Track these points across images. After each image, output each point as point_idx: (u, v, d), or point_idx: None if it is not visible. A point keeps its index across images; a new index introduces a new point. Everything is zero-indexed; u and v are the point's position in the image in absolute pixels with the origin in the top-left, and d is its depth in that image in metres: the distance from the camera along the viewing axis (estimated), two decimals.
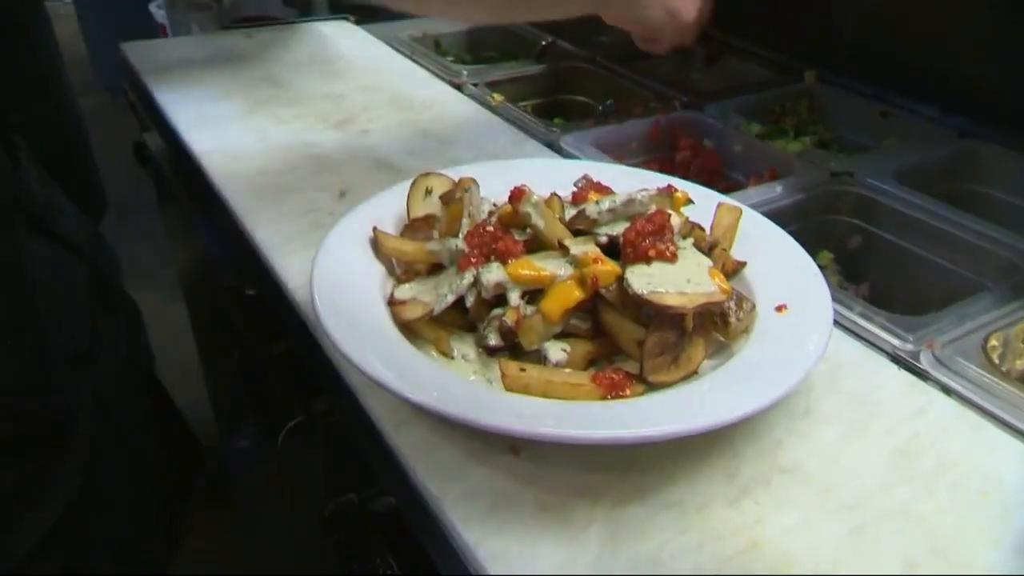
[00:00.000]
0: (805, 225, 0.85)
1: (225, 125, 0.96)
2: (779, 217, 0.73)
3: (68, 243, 0.69)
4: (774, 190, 0.86)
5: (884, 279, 0.88)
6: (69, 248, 0.69)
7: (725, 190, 0.80)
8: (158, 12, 1.82)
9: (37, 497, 0.60)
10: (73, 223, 0.72)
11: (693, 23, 0.85)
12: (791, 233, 0.67)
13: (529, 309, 0.55)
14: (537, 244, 0.59)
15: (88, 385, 0.67)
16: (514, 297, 0.55)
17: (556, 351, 0.55)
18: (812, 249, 0.67)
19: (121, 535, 0.71)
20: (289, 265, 0.70)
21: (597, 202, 0.58)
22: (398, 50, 1.24)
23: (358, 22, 1.35)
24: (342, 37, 1.29)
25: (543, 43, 1.27)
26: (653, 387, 0.53)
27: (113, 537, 0.69)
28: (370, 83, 1.10)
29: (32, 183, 0.68)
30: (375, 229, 0.64)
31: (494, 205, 0.64)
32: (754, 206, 0.74)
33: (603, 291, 0.55)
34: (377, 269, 0.62)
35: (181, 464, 0.87)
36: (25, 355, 0.58)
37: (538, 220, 0.58)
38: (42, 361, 0.60)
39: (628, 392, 0.53)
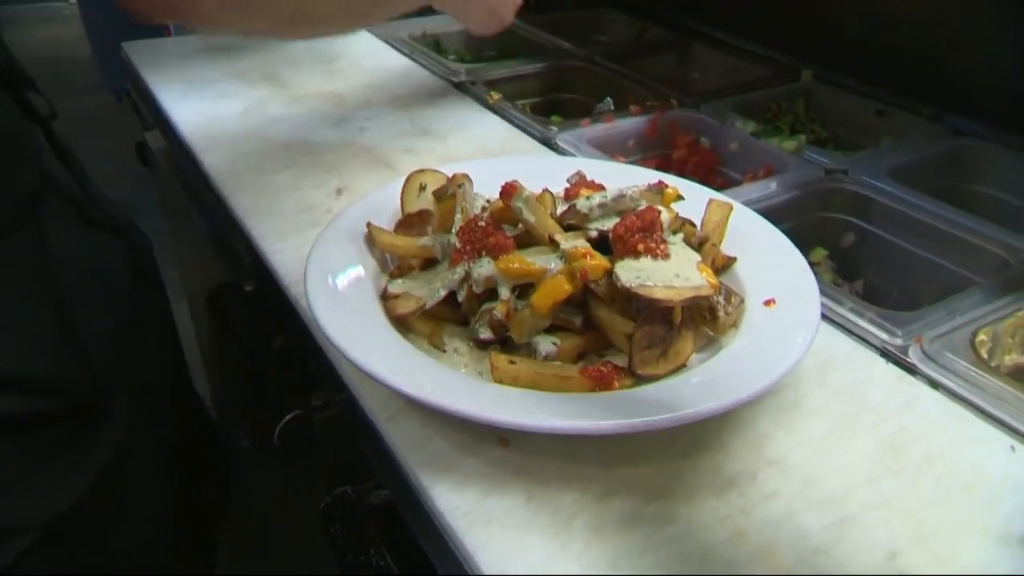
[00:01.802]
0: (800, 222, 0.86)
1: (225, 123, 0.97)
2: (774, 214, 0.73)
3: (104, 223, 0.70)
4: (769, 187, 0.87)
5: (878, 275, 0.88)
6: (105, 227, 0.70)
7: (721, 187, 0.81)
8: None
9: (70, 463, 0.61)
10: (110, 204, 0.73)
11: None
12: (786, 230, 0.67)
13: (520, 303, 0.56)
14: (528, 239, 0.60)
15: (129, 362, 0.68)
16: (505, 291, 0.56)
17: (546, 344, 0.55)
18: (807, 246, 0.68)
19: (148, 519, 0.72)
20: (286, 261, 0.71)
21: (588, 198, 0.59)
22: (397, 49, 1.25)
23: None
24: (342, 36, 1.30)
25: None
26: (642, 380, 0.54)
27: (140, 518, 0.70)
28: (369, 81, 1.11)
29: (62, 168, 0.69)
30: (369, 224, 0.64)
31: (487, 201, 0.65)
32: (749, 203, 0.75)
33: (593, 285, 0.55)
34: (371, 264, 0.63)
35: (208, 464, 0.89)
36: (54, 330, 0.59)
37: (529, 215, 0.59)
38: (75, 336, 0.61)
39: (617, 385, 0.53)
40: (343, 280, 0.60)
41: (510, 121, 1.00)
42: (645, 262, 0.55)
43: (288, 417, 0.72)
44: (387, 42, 1.27)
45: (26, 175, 0.62)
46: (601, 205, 0.59)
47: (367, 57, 1.21)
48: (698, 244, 0.61)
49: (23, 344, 0.58)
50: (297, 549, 0.95)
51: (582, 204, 0.59)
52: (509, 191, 0.58)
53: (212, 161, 0.89)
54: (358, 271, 0.62)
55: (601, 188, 0.64)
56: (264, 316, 0.83)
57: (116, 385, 0.65)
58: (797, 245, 0.65)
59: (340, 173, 0.86)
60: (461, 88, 1.11)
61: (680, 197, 0.63)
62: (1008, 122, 0.94)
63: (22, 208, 0.60)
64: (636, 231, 0.56)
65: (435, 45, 1.33)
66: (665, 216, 0.58)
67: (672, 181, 0.68)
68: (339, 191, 0.82)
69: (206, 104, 1.02)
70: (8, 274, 0.58)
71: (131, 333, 0.69)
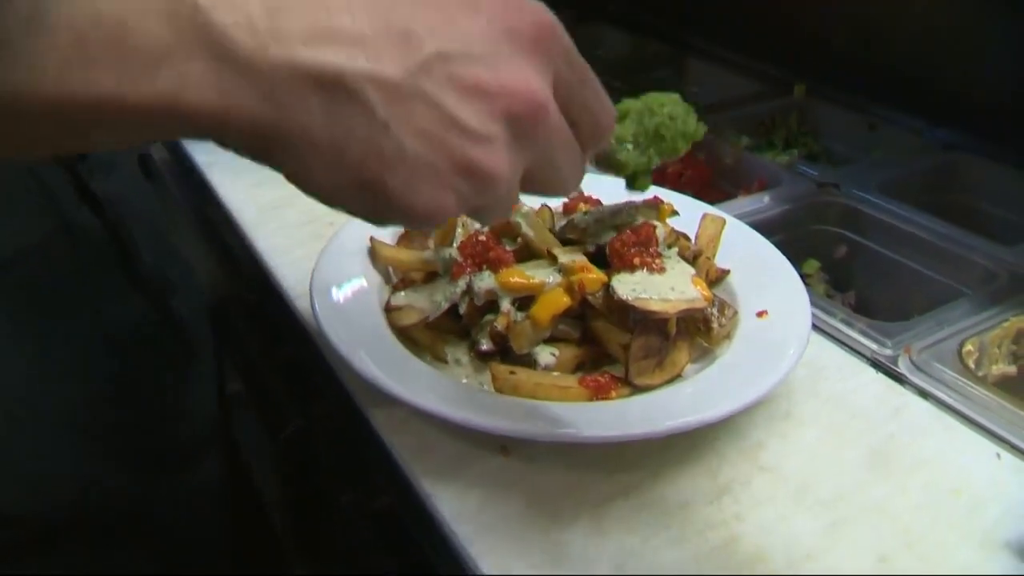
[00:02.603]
0: (792, 235, 0.88)
1: None
2: (767, 227, 0.75)
3: (140, 279, 0.71)
4: (762, 201, 0.88)
5: (869, 287, 0.90)
6: (141, 285, 0.71)
7: (715, 201, 0.83)
8: None
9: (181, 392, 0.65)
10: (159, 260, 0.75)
11: None
12: (779, 242, 0.69)
13: (520, 315, 0.57)
14: (528, 253, 0.61)
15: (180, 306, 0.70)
16: (505, 304, 0.57)
17: (545, 355, 0.57)
18: (800, 258, 0.69)
19: None
20: (290, 274, 0.73)
21: (585, 213, 0.61)
22: None
23: None
24: None
25: None
26: (638, 389, 0.56)
27: None
28: None
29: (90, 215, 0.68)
30: (372, 239, 0.66)
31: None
32: (742, 216, 0.76)
33: (590, 298, 0.57)
34: (374, 277, 0.65)
35: None
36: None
37: (528, 230, 0.60)
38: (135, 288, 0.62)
39: (614, 394, 0.55)
40: (347, 293, 0.62)
41: None
42: (641, 275, 0.57)
43: (292, 427, 0.73)
44: None
45: (32, 221, 0.59)
46: (598, 220, 0.61)
47: None
48: (692, 257, 0.63)
49: None
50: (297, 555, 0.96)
51: (580, 219, 0.60)
52: None
53: (215, 175, 0.90)
54: (361, 284, 0.63)
55: (598, 203, 0.66)
56: (267, 327, 0.85)
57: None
58: (790, 257, 0.67)
59: None
60: None
61: (675, 212, 0.65)
62: (996, 136, 0.96)
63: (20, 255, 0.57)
64: (632, 245, 0.58)
65: None
66: (660, 231, 0.59)
67: (667, 196, 0.70)
68: None
69: None
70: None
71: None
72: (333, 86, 0.29)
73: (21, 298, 0.58)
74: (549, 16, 0.33)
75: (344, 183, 0.31)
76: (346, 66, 0.29)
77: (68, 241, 0.62)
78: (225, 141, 0.31)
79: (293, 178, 0.32)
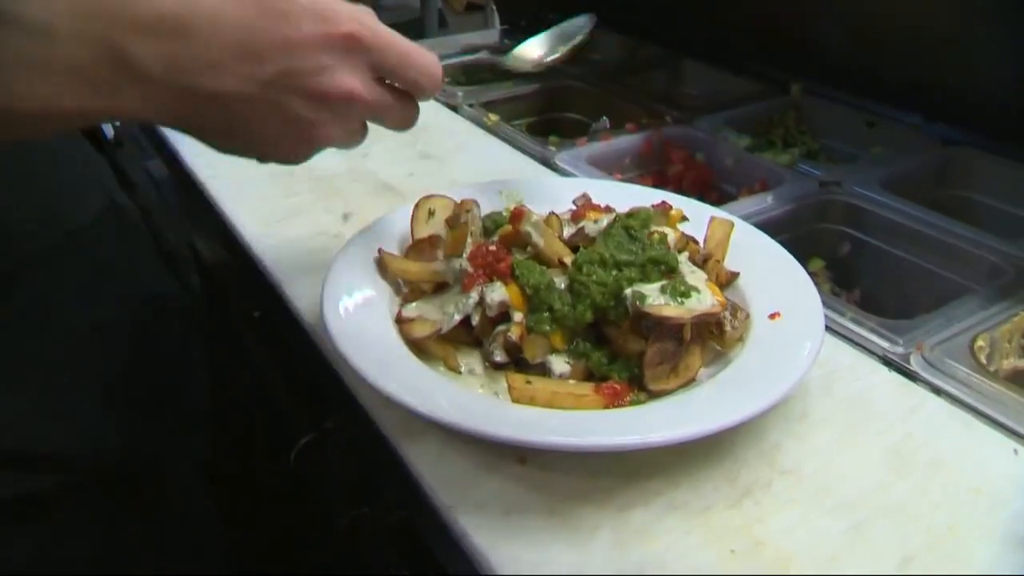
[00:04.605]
0: (796, 234, 0.88)
1: None
2: (771, 227, 0.75)
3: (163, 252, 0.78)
4: (765, 201, 0.89)
5: (874, 284, 0.90)
6: (164, 258, 0.78)
7: (717, 202, 0.83)
8: None
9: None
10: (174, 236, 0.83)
11: None
12: (783, 242, 0.69)
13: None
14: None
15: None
16: (518, 315, 0.57)
17: (560, 364, 0.57)
18: (804, 257, 0.69)
19: None
20: (298, 287, 0.73)
21: (596, 221, 0.61)
22: None
23: None
24: None
25: None
26: (653, 395, 0.55)
27: None
28: None
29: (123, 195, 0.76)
30: (381, 251, 0.66)
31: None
32: (746, 217, 0.76)
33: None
34: (384, 289, 0.64)
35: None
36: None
37: (538, 239, 0.60)
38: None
39: (629, 401, 0.55)
40: (358, 305, 0.61)
41: (509, 142, 1.02)
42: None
43: (303, 441, 0.73)
44: None
45: (91, 201, 0.69)
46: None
47: None
48: (702, 261, 0.63)
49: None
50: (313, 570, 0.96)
51: (590, 227, 0.60)
52: (519, 216, 0.60)
53: (217, 189, 0.90)
54: (371, 295, 0.63)
55: (606, 210, 0.66)
56: (274, 341, 0.85)
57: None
58: (795, 257, 0.67)
59: (346, 198, 0.88)
60: (459, 110, 1.13)
61: (685, 218, 0.65)
62: (996, 130, 0.96)
63: (84, 229, 0.66)
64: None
65: None
66: (671, 237, 0.59)
67: (674, 200, 0.70)
68: (346, 216, 0.84)
69: None
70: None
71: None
72: (214, 99, 0.45)
73: (84, 263, 0.67)
74: (356, 24, 0.46)
75: (234, 148, 0.51)
76: (220, 86, 0.45)
77: (115, 217, 0.71)
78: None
79: (204, 143, 0.49)
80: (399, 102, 0.52)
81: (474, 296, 0.58)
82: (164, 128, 0.96)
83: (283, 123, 0.48)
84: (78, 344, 0.65)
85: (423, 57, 0.50)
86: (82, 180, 0.70)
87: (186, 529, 0.74)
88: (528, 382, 0.55)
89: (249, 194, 0.88)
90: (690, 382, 0.57)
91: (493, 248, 0.60)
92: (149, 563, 0.69)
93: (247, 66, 0.45)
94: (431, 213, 0.69)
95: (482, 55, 1.31)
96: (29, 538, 0.61)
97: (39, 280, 0.62)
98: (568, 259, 0.60)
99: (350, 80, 0.47)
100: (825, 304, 0.62)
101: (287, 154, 0.50)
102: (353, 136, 0.51)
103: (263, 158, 0.50)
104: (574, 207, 0.68)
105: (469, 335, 0.60)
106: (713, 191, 1.03)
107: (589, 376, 0.58)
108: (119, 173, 0.75)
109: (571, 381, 0.56)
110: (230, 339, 0.93)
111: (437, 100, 1.16)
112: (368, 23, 0.47)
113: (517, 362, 0.59)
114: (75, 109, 0.43)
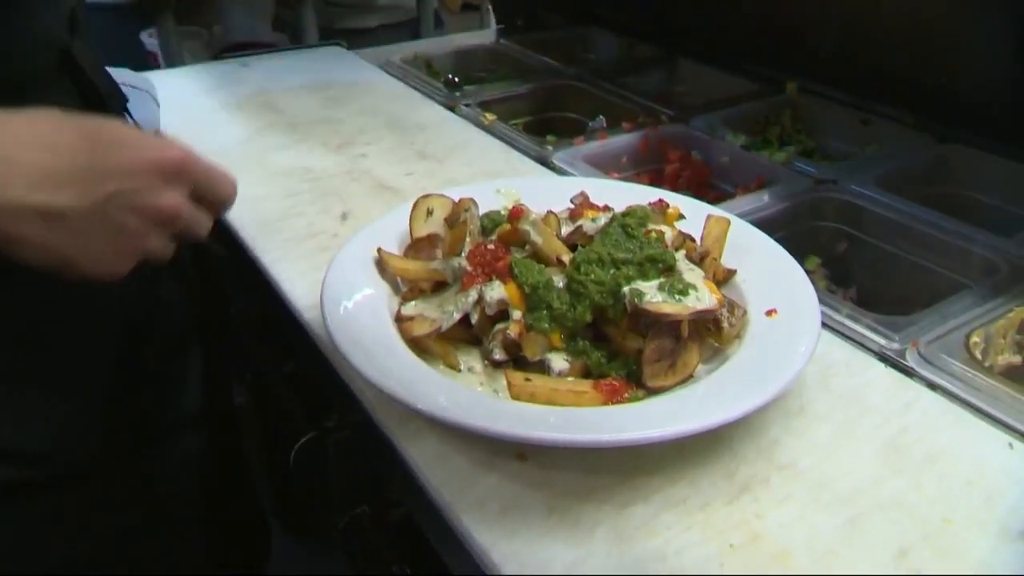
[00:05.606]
0: (793, 231, 0.88)
1: (226, 153, 0.99)
2: (767, 225, 0.76)
3: None
4: (762, 199, 0.89)
5: (870, 281, 0.91)
6: None
7: (714, 200, 0.83)
8: (149, 41, 1.84)
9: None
10: None
11: None
12: (779, 240, 0.70)
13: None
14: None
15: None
16: (516, 313, 0.58)
17: (559, 361, 0.57)
18: (800, 254, 0.70)
19: None
20: (297, 286, 0.73)
21: (594, 219, 0.61)
22: (391, 74, 1.27)
23: (350, 47, 1.38)
24: (336, 63, 1.32)
25: None
26: (652, 392, 0.56)
27: None
28: (366, 107, 1.13)
29: None
30: (380, 250, 0.66)
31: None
32: (743, 215, 0.77)
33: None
34: (383, 287, 0.65)
35: None
36: None
37: (536, 237, 0.61)
38: None
39: (628, 397, 0.55)
40: (357, 304, 0.62)
41: (506, 141, 1.03)
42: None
43: (303, 440, 0.73)
44: (380, 67, 1.29)
45: None
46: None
47: (361, 82, 1.23)
48: (699, 259, 0.63)
49: None
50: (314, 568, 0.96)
51: (588, 226, 0.61)
52: (517, 214, 0.60)
53: None
54: (370, 294, 0.63)
55: (604, 209, 0.66)
56: (274, 341, 0.85)
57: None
58: (791, 254, 0.68)
59: (344, 198, 0.88)
60: (456, 110, 1.13)
61: (682, 216, 0.65)
62: (990, 127, 0.96)
63: None
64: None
65: (427, 67, 1.35)
66: (668, 235, 0.60)
67: (671, 198, 0.71)
68: (344, 216, 0.84)
69: (206, 134, 1.04)
70: None
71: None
72: (47, 215, 0.48)
73: None
74: (179, 151, 0.52)
75: (53, 261, 0.50)
76: (53, 203, 0.48)
77: None
78: None
79: (23, 259, 0.49)
80: (204, 215, 0.57)
81: (473, 294, 0.58)
82: None
83: (113, 236, 0.51)
84: (78, 344, 0.66)
85: (226, 177, 0.57)
86: None
87: (166, 528, 0.74)
88: (527, 379, 0.55)
89: (247, 195, 0.88)
90: (688, 379, 0.57)
91: (491, 247, 0.60)
92: (124, 560, 0.69)
93: (86, 185, 0.49)
94: (429, 212, 0.69)
95: None
96: None
97: (36, 279, 0.62)
98: (566, 257, 0.60)
99: (175, 198, 0.52)
100: (821, 301, 0.63)
101: (108, 266, 0.52)
102: (168, 248, 0.55)
103: (81, 271, 0.51)
104: (572, 206, 0.68)
105: (468, 333, 0.61)
106: (710, 189, 1.03)
107: (588, 373, 0.58)
108: None
109: (570, 378, 0.57)
110: (230, 339, 0.94)
111: (435, 100, 1.16)
112: (188, 151, 0.53)
113: (516, 360, 0.59)
114: None
